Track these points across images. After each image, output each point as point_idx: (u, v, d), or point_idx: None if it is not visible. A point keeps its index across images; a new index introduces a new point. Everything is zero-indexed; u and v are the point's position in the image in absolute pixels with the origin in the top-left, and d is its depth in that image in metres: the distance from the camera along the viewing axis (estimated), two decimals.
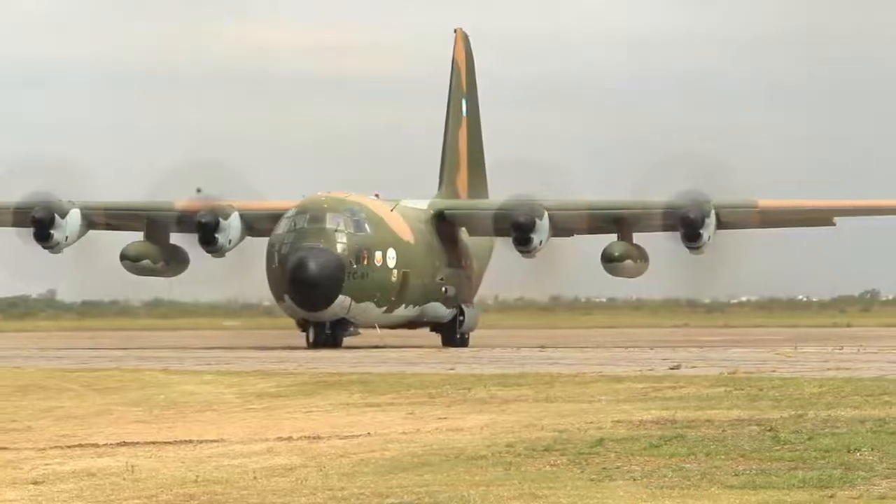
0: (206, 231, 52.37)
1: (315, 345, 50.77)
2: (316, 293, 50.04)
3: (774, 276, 60.34)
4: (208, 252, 52.76)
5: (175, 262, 53.65)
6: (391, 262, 51.74)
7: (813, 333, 61.09)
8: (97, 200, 53.03)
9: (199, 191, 53.22)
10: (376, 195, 54.45)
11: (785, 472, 15.34)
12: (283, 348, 49.60)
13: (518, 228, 52.07)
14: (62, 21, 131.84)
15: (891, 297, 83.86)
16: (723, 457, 16.55)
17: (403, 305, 52.53)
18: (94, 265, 54.13)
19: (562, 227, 52.68)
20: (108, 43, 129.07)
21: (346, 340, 51.29)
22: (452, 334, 54.22)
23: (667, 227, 52.51)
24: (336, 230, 50.78)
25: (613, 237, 53.19)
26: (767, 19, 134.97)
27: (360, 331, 52.24)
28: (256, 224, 52.99)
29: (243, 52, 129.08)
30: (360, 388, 27.91)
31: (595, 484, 14.83)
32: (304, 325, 52.82)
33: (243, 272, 53.93)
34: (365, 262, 50.97)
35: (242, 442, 19.29)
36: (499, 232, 53.16)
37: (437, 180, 57.69)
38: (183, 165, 54.08)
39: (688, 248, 51.85)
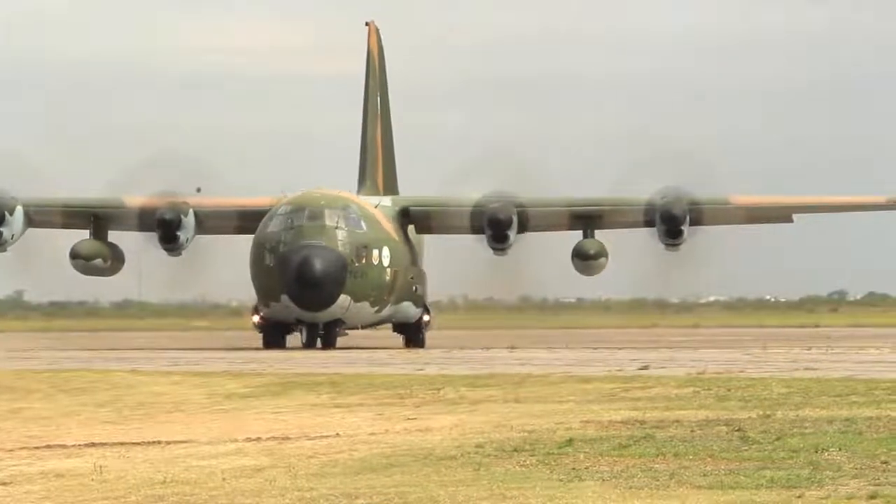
0: (168, 229, 50.92)
1: (308, 345, 49.57)
2: (320, 293, 48.66)
3: (741, 276, 60.41)
4: (167, 250, 51.26)
5: (115, 261, 52.15)
6: (385, 261, 50.59)
7: (781, 333, 61.27)
8: (40, 197, 51.32)
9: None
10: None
11: (753, 472, 15.38)
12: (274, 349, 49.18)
13: (495, 226, 51.04)
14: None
15: (859, 297, 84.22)
16: (691, 457, 16.59)
17: (388, 305, 51.58)
18: (37, 265, 52.87)
19: (535, 225, 51.80)
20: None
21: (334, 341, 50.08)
22: (417, 334, 53.11)
23: (640, 224, 52.18)
24: (336, 227, 49.52)
25: (576, 234, 52.71)
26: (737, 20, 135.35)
27: (348, 331, 51.02)
28: (210, 222, 51.59)
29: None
30: (328, 388, 27.87)
31: (564, 484, 14.84)
32: (265, 327, 51.69)
33: (201, 272, 52.77)
34: (363, 261, 49.80)
35: (211, 443, 19.24)
36: (473, 229, 52.03)
37: (357, 177, 55.70)
38: (141, 162, 52.13)
39: (666, 244, 51.28)
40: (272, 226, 50.00)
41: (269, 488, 14.93)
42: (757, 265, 58.06)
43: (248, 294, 55.49)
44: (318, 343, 50.05)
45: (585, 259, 51.96)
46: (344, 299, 49.22)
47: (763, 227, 53.76)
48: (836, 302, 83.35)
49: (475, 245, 52.47)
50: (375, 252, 50.15)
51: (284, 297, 49.39)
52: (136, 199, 51.74)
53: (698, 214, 51.44)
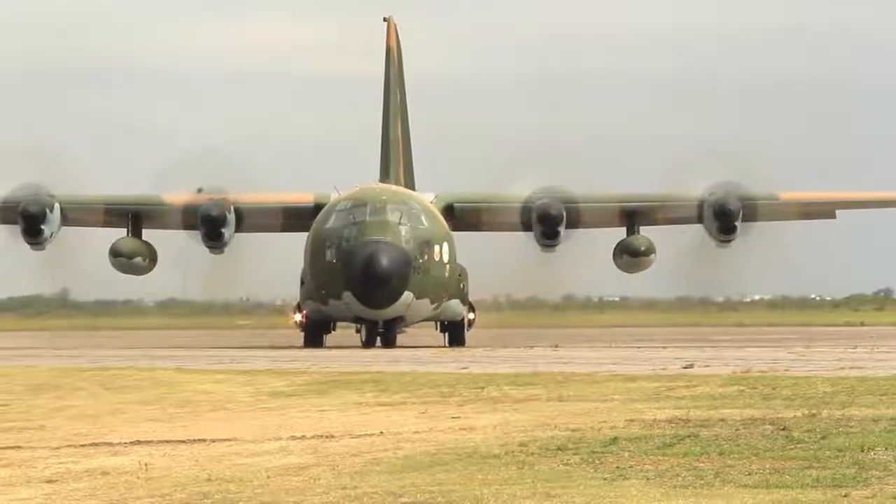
0: (212, 226, 50.44)
1: (368, 344, 48.85)
2: (386, 290, 47.99)
3: (786, 274, 59.97)
4: (211, 248, 50.77)
5: (152, 259, 51.82)
6: (445, 257, 49.92)
7: (826, 332, 60.96)
8: (78, 195, 50.88)
9: (200, 190, 51.58)
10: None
11: (798, 471, 15.32)
12: (339, 347, 48.94)
13: (546, 221, 50.19)
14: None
15: None
16: (736, 456, 16.53)
17: (444, 302, 50.58)
18: (73, 263, 51.87)
19: (584, 221, 50.84)
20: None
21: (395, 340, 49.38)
22: (461, 332, 52.10)
23: (688, 220, 51.47)
24: (399, 223, 48.88)
25: (619, 231, 52.08)
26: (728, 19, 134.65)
27: (406, 329, 50.44)
28: (250, 220, 51.02)
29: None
30: (372, 387, 27.91)
31: (608, 483, 14.82)
32: (307, 326, 51.38)
33: (243, 270, 52.43)
34: (426, 258, 49.13)
35: (255, 441, 19.31)
36: (520, 226, 51.02)
37: (379, 173, 54.68)
38: (176, 162, 51.69)
39: (719, 240, 50.31)
40: (332, 222, 49.33)
41: (313, 486, 14.97)
42: (801, 262, 57.65)
43: (289, 292, 55.51)
44: (378, 341, 49.33)
45: (635, 256, 51.15)
46: (407, 296, 48.62)
47: (807, 223, 53.31)
48: (882, 300, 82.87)
49: (519, 242, 51.92)
50: (437, 248, 49.51)
51: (347, 294, 48.66)
52: (176, 196, 51.44)
53: (750, 210, 50.57)
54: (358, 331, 50.87)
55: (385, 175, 54.88)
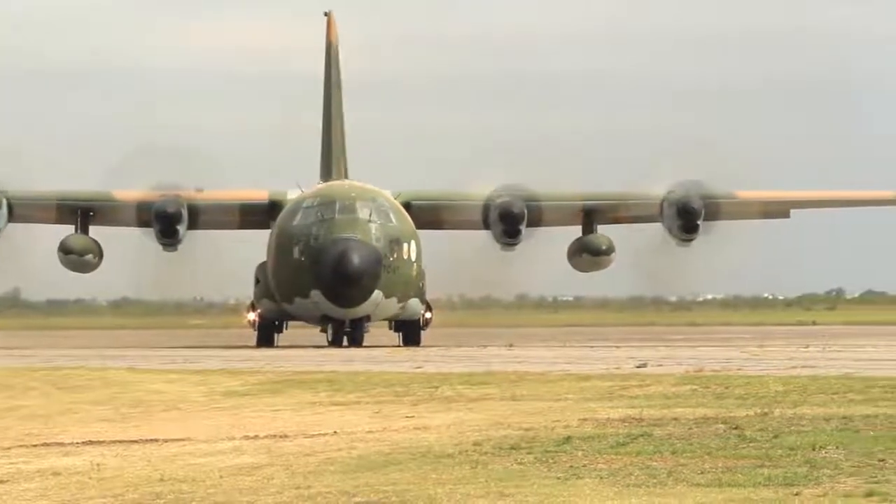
0: (168, 223, 49.43)
1: (335, 343, 48.06)
2: (356, 288, 47.18)
3: (739, 273, 60.01)
4: (165, 245, 49.76)
5: (100, 256, 50.52)
6: (413, 255, 49.04)
7: (779, 331, 61.26)
8: (26, 190, 49.60)
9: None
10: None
11: (751, 469, 15.39)
12: (297, 347, 48.48)
13: (508, 220, 49.42)
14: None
15: (856, 295, 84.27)
16: (689, 455, 16.59)
17: (409, 301, 49.85)
18: (20, 260, 50.29)
19: (545, 220, 50.27)
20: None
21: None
22: (417, 332, 51.20)
23: (646, 219, 50.92)
24: (369, 221, 48.02)
25: (575, 230, 51.56)
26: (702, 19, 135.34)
27: (370, 328, 49.36)
28: (204, 217, 49.91)
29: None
30: (326, 386, 27.87)
31: (562, 482, 14.84)
32: (263, 324, 50.86)
33: (197, 268, 51.47)
34: (395, 256, 48.23)
35: (208, 440, 19.24)
36: (479, 225, 50.23)
37: (320, 171, 53.70)
38: (126, 158, 50.26)
39: (680, 239, 49.90)
40: (299, 219, 48.51)
41: (267, 486, 14.93)
42: (755, 262, 57.77)
43: (242, 291, 55.05)
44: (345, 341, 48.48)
45: (596, 255, 50.56)
46: (377, 295, 47.89)
47: (761, 223, 53.22)
48: (834, 300, 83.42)
49: (477, 240, 51.15)
50: (405, 246, 48.74)
51: (315, 293, 47.97)
52: (127, 193, 50.49)
53: (712, 209, 50.14)
54: (323, 330, 50.14)
55: (327, 171, 54.03)
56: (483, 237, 51.17)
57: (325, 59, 55.49)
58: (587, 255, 51.03)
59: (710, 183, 50.34)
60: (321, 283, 47.84)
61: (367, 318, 49.05)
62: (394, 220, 48.88)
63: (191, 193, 50.33)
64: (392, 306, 49.17)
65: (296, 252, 48.40)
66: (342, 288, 47.56)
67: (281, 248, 49.06)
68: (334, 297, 47.85)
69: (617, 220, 51.94)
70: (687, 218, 49.88)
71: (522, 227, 50.10)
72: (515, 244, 50.42)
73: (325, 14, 55.82)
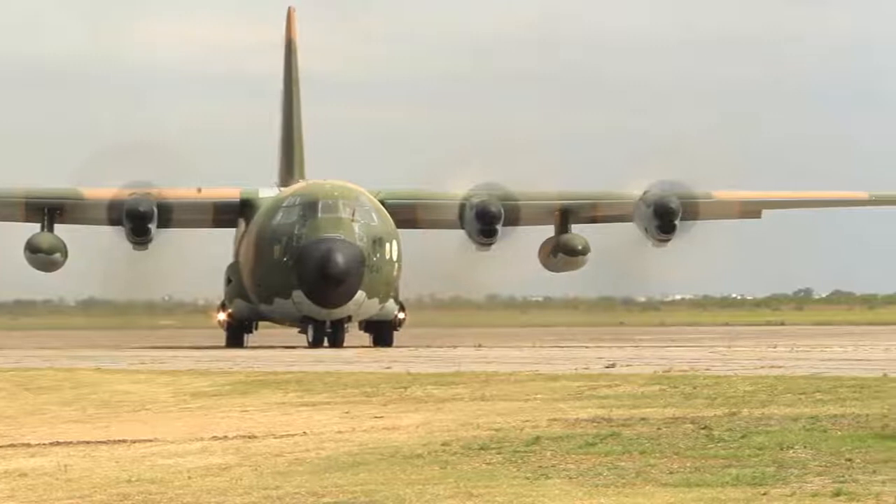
0: (139, 222, 48.76)
1: (315, 344, 47.41)
2: (341, 289, 46.49)
3: (711, 273, 60.00)
4: (137, 244, 49.12)
5: (66, 255, 49.71)
6: (394, 255, 48.36)
7: (747, 331, 61.46)
8: None
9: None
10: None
11: (719, 469, 15.43)
12: (267, 347, 48.20)
13: (485, 219, 48.95)
14: None
15: (824, 296, 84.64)
16: (658, 455, 16.62)
17: (388, 301, 49.28)
18: None
19: (521, 219, 49.79)
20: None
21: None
22: (390, 332, 50.43)
23: (622, 219, 50.27)
24: (352, 220, 47.35)
25: (547, 230, 51.36)
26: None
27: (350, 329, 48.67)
28: (174, 215, 49.19)
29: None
30: (295, 387, 27.83)
31: (531, 482, 14.85)
32: (233, 325, 50.47)
33: (168, 267, 50.85)
34: (378, 256, 47.52)
35: (177, 441, 19.19)
36: (456, 224, 49.69)
37: (280, 169, 53.30)
38: (94, 155, 49.52)
39: (657, 239, 49.50)
40: (280, 218, 47.83)
41: (235, 487, 14.90)
42: (725, 263, 57.80)
43: (212, 291, 54.71)
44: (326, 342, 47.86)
45: (572, 254, 50.18)
46: (360, 295, 47.26)
47: (733, 223, 53.15)
48: (802, 300, 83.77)
49: (451, 240, 50.71)
50: (387, 246, 48.11)
51: (297, 293, 47.27)
52: (94, 190, 49.82)
53: (689, 209, 49.90)
54: (302, 331, 49.38)
55: (289, 169, 53.46)
56: (458, 237, 50.79)
57: (285, 55, 54.87)
58: (563, 254, 50.70)
59: (687, 183, 50.15)
60: (304, 284, 47.24)
61: (348, 318, 48.53)
62: (376, 219, 48.33)
63: (161, 191, 49.76)
64: (373, 307, 48.64)
65: (277, 251, 47.76)
66: (326, 288, 46.98)
67: (260, 247, 48.44)
68: (317, 297, 47.26)
69: (591, 220, 51.74)
70: (664, 218, 49.62)
71: (499, 227, 49.73)
72: (491, 244, 49.92)
73: (288, 9, 55.26)
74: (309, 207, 47.82)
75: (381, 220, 48.60)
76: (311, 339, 48.29)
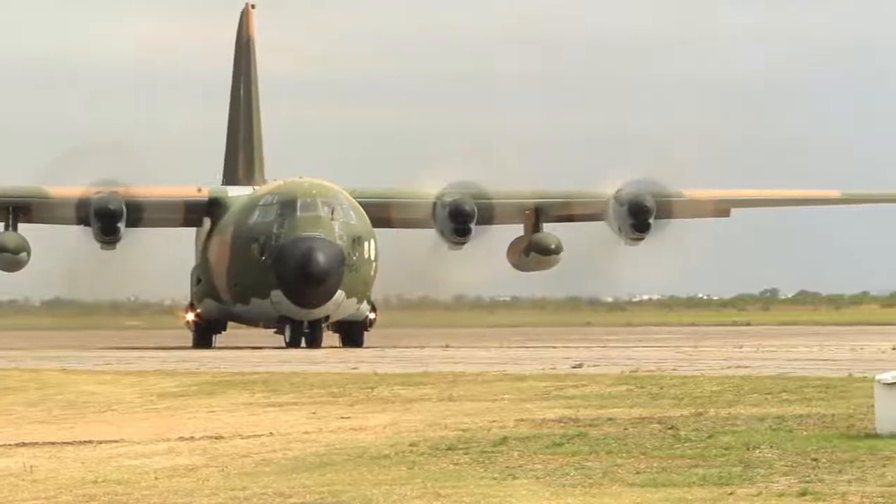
0: (108, 221, 48.15)
1: (293, 344, 46.85)
2: (321, 288, 45.93)
3: (681, 273, 59.90)
4: (105, 243, 48.48)
5: (29, 254, 48.90)
6: (372, 254, 47.84)
7: (713, 332, 61.64)
8: None
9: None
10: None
11: (686, 469, 15.47)
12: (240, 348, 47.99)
13: (458, 218, 48.54)
14: None
15: (790, 296, 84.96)
16: (624, 455, 16.66)
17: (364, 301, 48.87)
18: None
19: (494, 218, 49.42)
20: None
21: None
22: (361, 333, 49.78)
23: (593, 217, 50.02)
24: (332, 219, 46.77)
25: (517, 229, 51.16)
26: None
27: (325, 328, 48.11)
28: (142, 214, 48.55)
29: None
30: (262, 387, 27.77)
31: (498, 482, 14.86)
32: (202, 325, 50.13)
33: (135, 267, 50.29)
34: (357, 255, 47.01)
35: (143, 442, 19.13)
36: (428, 223, 49.28)
37: (241, 169, 52.69)
38: (63, 154, 49.01)
39: (630, 238, 49.20)
40: (257, 217, 47.31)
41: (202, 487, 14.86)
42: (694, 262, 57.71)
43: (178, 291, 54.32)
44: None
45: (546, 253, 49.91)
46: (339, 295, 46.78)
47: (702, 222, 52.98)
48: (768, 300, 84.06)
49: (423, 239, 50.25)
50: (365, 245, 47.61)
51: (276, 293, 46.72)
52: (61, 189, 49.18)
53: (663, 208, 49.69)
54: (278, 332, 48.77)
55: (249, 168, 52.86)
56: (429, 236, 50.45)
57: (245, 53, 54.29)
58: (536, 254, 50.35)
59: (660, 182, 50.00)
60: (283, 283, 46.69)
61: (326, 318, 48.08)
62: (354, 218, 47.83)
63: (128, 189, 49.21)
64: (351, 306, 48.15)
65: (254, 251, 47.18)
66: (306, 288, 46.44)
67: (237, 246, 47.81)
68: (296, 297, 46.69)
69: (562, 219, 51.56)
70: (639, 216, 49.38)
71: (472, 226, 49.36)
72: (464, 243, 49.53)
73: (247, 5, 54.43)
74: (287, 206, 47.29)
75: (359, 219, 48.13)
76: (288, 340, 47.79)
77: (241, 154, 53.68)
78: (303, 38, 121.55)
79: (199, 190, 50.49)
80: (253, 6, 54.97)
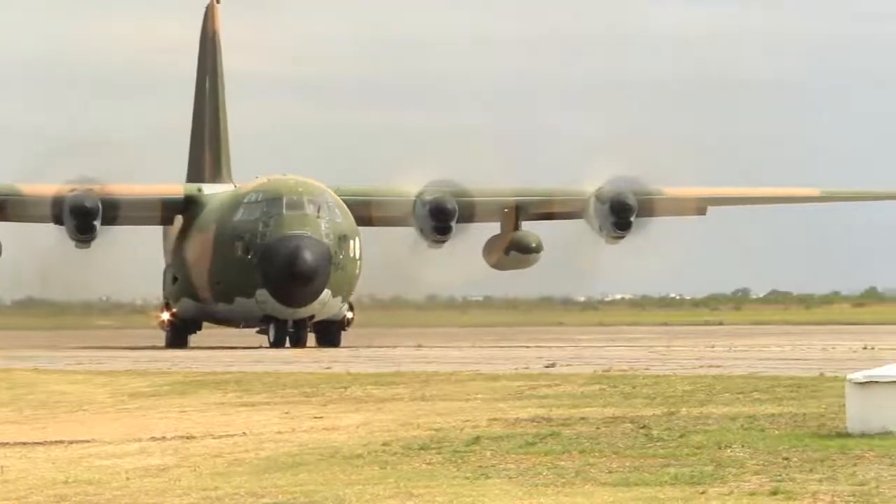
0: (84, 219, 47.46)
1: (277, 344, 46.46)
2: (308, 287, 45.55)
3: (648, 273, 59.84)
4: (80, 242, 47.85)
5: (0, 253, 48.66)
6: (357, 253, 47.45)
7: (686, 331, 61.77)
8: None
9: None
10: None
11: (658, 468, 15.49)
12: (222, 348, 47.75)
13: (439, 216, 48.17)
14: None
15: (762, 295, 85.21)
16: (597, 454, 16.68)
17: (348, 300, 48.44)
18: None
19: (475, 217, 49.09)
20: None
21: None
22: (338, 332, 49.19)
23: (572, 216, 49.67)
24: (318, 217, 46.38)
25: (493, 227, 50.90)
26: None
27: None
28: (116, 212, 47.96)
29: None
30: (235, 387, 27.72)
31: (471, 482, 14.87)
32: (178, 325, 49.83)
33: (110, 266, 49.89)
34: (343, 254, 46.62)
35: (115, 442, 19.08)
36: (408, 221, 49.00)
37: (208, 167, 52.13)
38: (36, 151, 49.18)
39: (612, 236, 48.89)
40: (241, 215, 46.88)
41: (174, 488, 14.82)
42: (666, 261, 57.60)
43: (150, 290, 53.97)
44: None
45: (526, 252, 49.57)
46: (325, 294, 46.41)
47: (673, 220, 52.86)
48: (740, 300, 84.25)
49: (401, 237, 50.05)
50: (351, 243, 47.19)
51: (262, 292, 46.29)
52: (34, 187, 48.67)
53: (645, 206, 49.44)
54: (261, 331, 48.37)
55: (217, 167, 52.37)
56: (408, 234, 50.04)
57: (211, 50, 53.76)
58: (516, 252, 49.97)
59: (641, 180, 49.79)
60: (270, 282, 46.26)
61: (311, 317, 47.62)
62: (340, 216, 47.48)
63: (103, 187, 48.77)
64: (336, 305, 47.73)
65: (239, 249, 46.77)
66: (293, 287, 45.99)
67: (219, 244, 47.36)
68: (283, 296, 46.28)
69: (541, 217, 51.35)
70: (621, 215, 49.08)
71: (453, 224, 49.00)
72: (445, 241, 49.16)
73: (217, 2, 54.04)
74: (273, 204, 46.85)
75: (344, 217, 47.74)
76: (272, 340, 47.35)
77: (207, 152, 53.23)
78: (268, 34, 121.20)
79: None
80: (218, 1, 54.73)
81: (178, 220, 51.14)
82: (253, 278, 46.68)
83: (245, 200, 47.67)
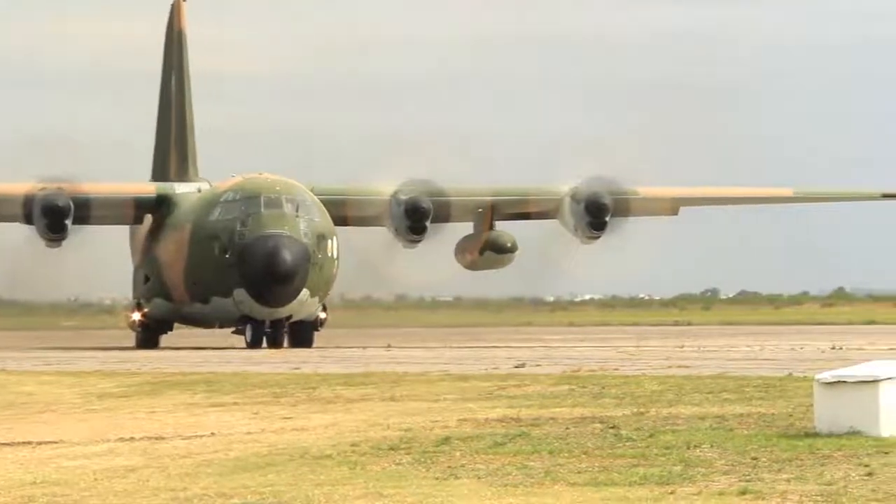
0: (55, 218, 46.88)
1: (254, 345, 46.12)
2: (287, 287, 45.21)
3: (620, 274, 59.74)
4: (52, 241, 47.19)
5: None
6: (335, 252, 47.11)
7: (655, 331, 61.91)
8: None
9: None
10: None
11: (627, 469, 15.52)
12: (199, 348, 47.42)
13: (415, 216, 47.87)
14: None
15: (731, 296, 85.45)
16: (566, 455, 16.70)
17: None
18: None
19: (450, 216, 48.89)
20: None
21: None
22: (311, 332, 48.60)
23: (546, 215, 49.47)
24: (296, 216, 46.01)
25: (466, 227, 50.70)
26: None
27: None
28: (88, 211, 47.44)
29: None
30: (204, 387, 27.66)
31: (440, 482, 14.87)
32: (150, 325, 49.45)
33: (80, 266, 49.50)
34: (321, 253, 46.23)
35: (83, 443, 19.01)
36: (382, 221, 48.73)
37: (174, 166, 51.82)
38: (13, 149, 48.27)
39: (588, 236, 48.71)
40: (218, 214, 46.54)
41: (142, 488, 14.78)
42: (637, 261, 57.57)
43: (119, 290, 53.66)
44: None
45: (501, 252, 49.35)
46: (304, 294, 46.08)
47: (644, 220, 52.77)
48: (709, 300, 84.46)
49: (377, 237, 49.79)
50: (329, 243, 46.86)
51: (239, 292, 45.95)
52: (2, 186, 47.90)
53: (620, 205, 49.22)
54: (236, 331, 47.92)
55: (183, 166, 51.93)
56: (381, 234, 49.76)
57: (176, 48, 53.29)
58: (491, 252, 49.74)
59: (616, 179, 49.69)
60: (248, 282, 45.92)
61: (289, 318, 47.29)
62: (318, 215, 47.16)
63: (74, 186, 48.44)
64: (314, 305, 47.40)
65: (216, 248, 46.42)
66: (272, 286, 45.66)
67: (195, 244, 46.97)
68: (261, 296, 45.98)
69: (514, 217, 51.24)
70: (597, 214, 48.90)
71: (428, 224, 48.73)
72: (420, 241, 48.94)
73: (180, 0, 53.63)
74: (251, 203, 46.52)
75: (322, 216, 47.44)
76: (249, 340, 47.01)
77: (174, 151, 52.85)
78: (233, 33, 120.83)
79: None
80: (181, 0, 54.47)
81: (148, 219, 50.86)
82: (230, 278, 46.40)
83: (222, 199, 47.37)
